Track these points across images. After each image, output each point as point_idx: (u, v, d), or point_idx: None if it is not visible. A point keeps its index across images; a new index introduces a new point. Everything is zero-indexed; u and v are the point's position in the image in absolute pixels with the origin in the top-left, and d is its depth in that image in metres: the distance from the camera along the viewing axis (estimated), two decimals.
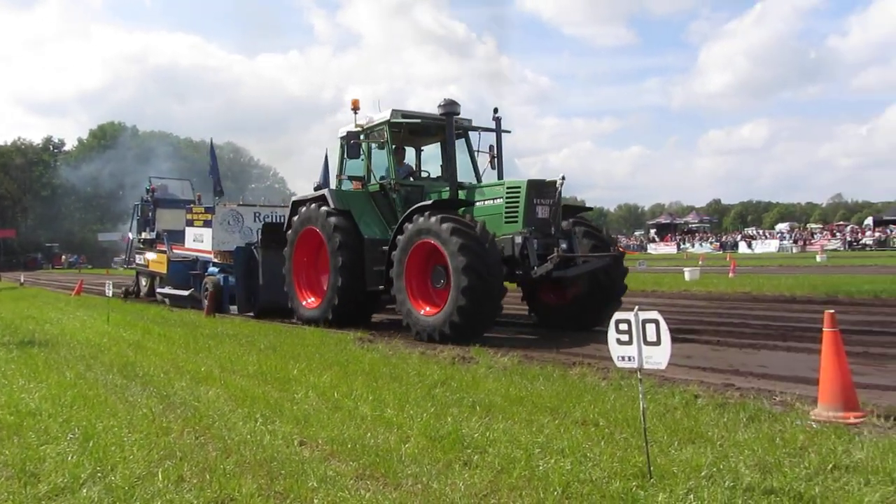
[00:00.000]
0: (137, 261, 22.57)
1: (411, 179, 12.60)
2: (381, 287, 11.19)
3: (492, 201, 10.75)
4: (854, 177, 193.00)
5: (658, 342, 3.75)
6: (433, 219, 9.88)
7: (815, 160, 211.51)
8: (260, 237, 14.75)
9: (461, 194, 11.25)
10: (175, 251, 19.61)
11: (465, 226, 9.72)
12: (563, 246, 10.17)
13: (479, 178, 12.46)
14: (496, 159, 12.20)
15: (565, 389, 6.11)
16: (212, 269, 17.25)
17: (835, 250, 55.49)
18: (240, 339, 10.33)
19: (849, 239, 63.60)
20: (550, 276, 9.92)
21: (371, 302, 12.28)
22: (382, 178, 12.23)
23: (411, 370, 7.29)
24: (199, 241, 18.11)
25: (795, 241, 64.94)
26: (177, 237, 19.97)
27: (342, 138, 12.16)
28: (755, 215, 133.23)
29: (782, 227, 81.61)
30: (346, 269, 11.44)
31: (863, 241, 61.75)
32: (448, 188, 11.39)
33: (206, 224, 17.85)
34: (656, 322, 3.76)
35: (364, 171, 12.40)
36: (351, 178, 12.64)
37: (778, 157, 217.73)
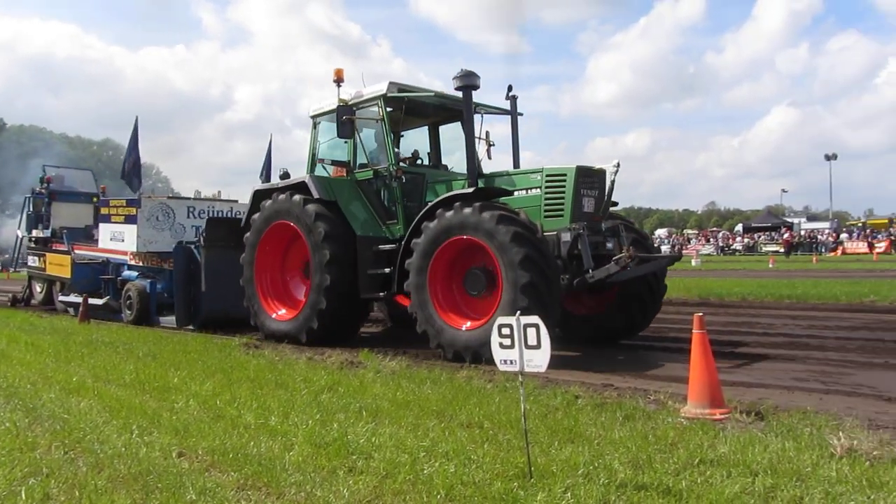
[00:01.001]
0: (30, 263, 19.13)
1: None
2: (382, 294, 9.57)
3: (525, 192, 9.02)
4: (727, 186, 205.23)
5: (538, 346, 3.87)
6: (468, 210, 8.19)
7: (692, 169, 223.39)
8: (203, 235, 12.51)
9: (480, 184, 9.40)
10: (79, 252, 16.74)
11: (511, 212, 8.18)
12: (609, 245, 8.86)
13: (479, 167, 10.72)
14: (514, 147, 10.43)
15: (452, 392, 6.19)
16: (127, 273, 14.93)
17: (708, 255, 58.73)
18: (116, 347, 9.84)
19: (721, 244, 67.54)
20: (604, 282, 8.38)
21: (360, 313, 10.44)
22: (377, 163, 10.28)
23: (298, 376, 7.17)
24: (119, 240, 15.10)
25: (673, 247, 68.35)
26: (78, 235, 17.54)
27: (326, 114, 10.60)
28: (636, 221, 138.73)
29: (661, 232, 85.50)
30: (335, 265, 9.55)
31: (733, 247, 65.71)
32: (458, 177, 10.09)
33: (129, 220, 14.79)
34: (537, 326, 3.87)
35: (349, 154, 10.53)
36: (334, 164, 10.65)
37: (658, 166, 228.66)
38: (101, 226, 15.97)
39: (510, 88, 10.38)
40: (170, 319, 13.23)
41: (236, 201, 15.79)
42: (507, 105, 10.50)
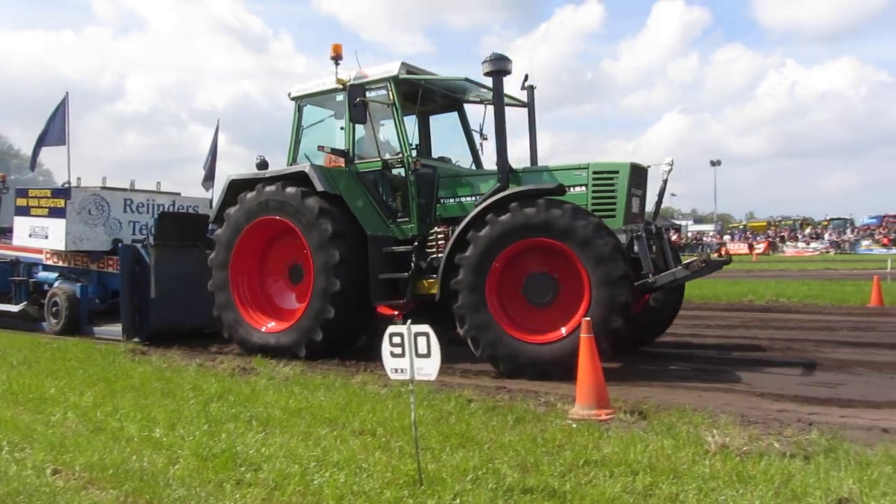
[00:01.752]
0: None
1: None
2: (401, 303, 8.54)
3: (568, 189, 8.10)
4: None
5: (429, 354, 3.90)
6: (556, 210, 7.26)
7: None
8: (153, 232, 10.88)
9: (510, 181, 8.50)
10: None
11: (599, 220, 7.38)
12: (653, 248, 8.25)
13: (478, 162, 10.25)
14: (531, 142, 9.59)
15: (346, 399, 6.15)
16: (44, 274, 12.97)
17: None
18: None
19: None
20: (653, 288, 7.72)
21: (365, 324, 9.20)
22: (391, 154, 9.12)
23: (186, 384, 6.94)
24: (41, 237, 12.76)
25: None
26: None
27: (314, 95, 9.56)
28: None
29: None
30: (345, 268, 8.38)
31: None
32: (477, 172, 9.44)
33: (56, 213, 12.49)
34: (427, 335, 3.90)
35: (347, 142, 9.26)
36: (334, 152, 9.25)
37: None
38: (17, 220, 13.42)
39: (526, 78, 9.50)
40: (109, 330, 11.34)
41: (178, 194, 14.18)
42: (522, 96, 9.73)
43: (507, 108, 8.80)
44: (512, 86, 10.53)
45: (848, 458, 4.22)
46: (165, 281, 10.34)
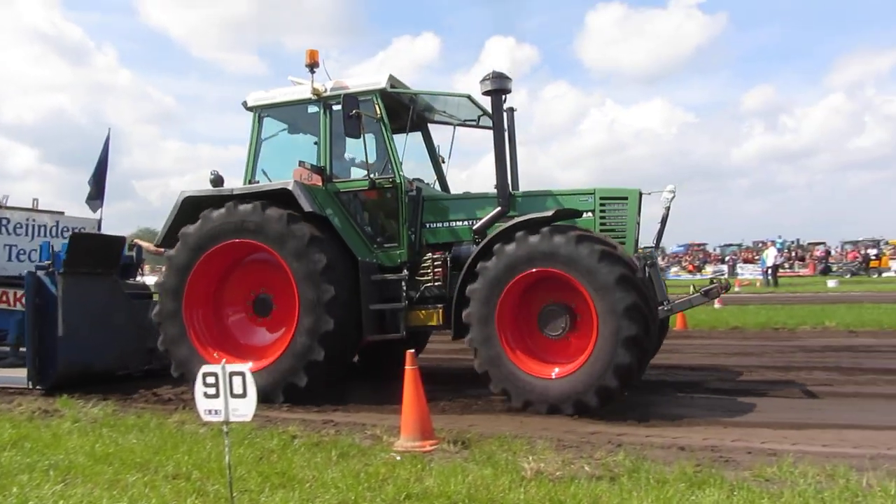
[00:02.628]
0: None
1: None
2: (402, 337, 7.81)
3: None
4: None
5: (244, 394, 3.77)
6: (559, 237, 6.92)
7: None
8: (64, 257, 9.03)
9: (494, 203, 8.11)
10: None
11: (611, 247, 7.01)
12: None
13: (444, 184, 9.62)
14: (512, 165, 8.67)
15: (160, 440, 5.79)
16: None
17: None
18: None
19: None
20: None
21: (351, 360, 8.54)
22: (379, 171, 8.28)
23: None
24: None
25: None
26: None
27: (277, 106, 8.70)
28: None
29: None
30: (337, 303, 7.53)
31: None
32: (467, 196, 8.77)
33: None
34: (243, 375, 3.77)
35: (322, 158, 8.39)
36: (313, 168, 8.35)
37: None
38: None
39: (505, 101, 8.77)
40: (5, 377, 9.28)
41: (62, 213, 12.38)
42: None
43: (470, 130, 9.20)
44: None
45: (648, 478, 4.53)
46: (75, 315, 8.72)
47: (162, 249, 10.53)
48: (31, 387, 8.70)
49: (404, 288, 7.79)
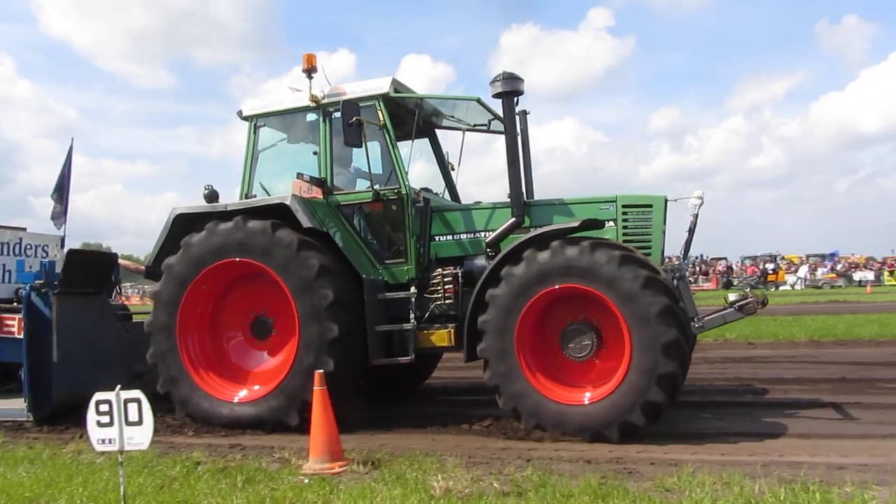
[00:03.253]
0: None
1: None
2: (411, 360, 7.28)
3: None
4: None
5: (140, 422, 3.63)
6: (572, 249, 6.41)
7: None
8: (61, 276, 8.22)
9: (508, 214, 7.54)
10: None
11: (655, 272, 6.42)
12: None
13: (454, 192, 9.04)
14: (526, 172, 8.25)
15: (53, 473, 5.49)
16: None
17: None
18: None
19: None
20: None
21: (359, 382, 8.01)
22: (383, 182, 7.82)
23: None
24: None
25: None
26: None
27: (276, 114, 8.21)
28: None
29: None
30: (340, 309, 7.05)
31: None
32: (476, 206, 8.08)
33: None
34: (139, 401, 3.64)
35: (322, 169, 7.86)
36: (313, 180, 7.80)
37: None
38: None
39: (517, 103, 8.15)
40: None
41: (24, 229, 11.32)
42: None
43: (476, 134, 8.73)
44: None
45: (555, 492, 4.61)
46: (70, 339, 7.95)
47: (142, 267, 9.84)
48: (30, 418, 7.95)
49: (412, 307, 7.28)
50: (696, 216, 7.49)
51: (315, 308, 6.99)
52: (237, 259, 7.29)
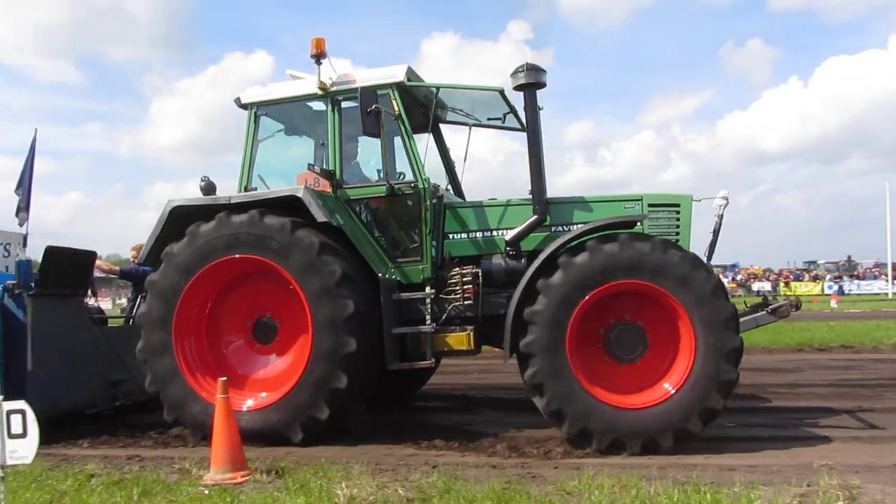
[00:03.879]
0: None
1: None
2: (431, 365, 7.06)
3: None
4: None
5: (24, 434, 3.47)
6: (643, 245, 6.17)
7: None
8: (38, 276, 7.60)
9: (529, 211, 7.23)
10: None
11: (718, 277, 6.32)
12: None
13: (458, 188, 8.58)
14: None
15: None
16: None
17: None
18: None
19: None
20: None
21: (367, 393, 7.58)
22: (392, 176, 7.55)
23: None
24: None
25: None
26: None
27: (279, 102, 7.75)
28: None
29: None
30: (358, 323, 6.63)
31: None
32: (486, 203, 7.66)
33: None
34: (23, 413, 3.47)
35: (332, 161, 7.41)
36: (323, 173, 7.35)
37: None
38: None
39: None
40: None
41: None
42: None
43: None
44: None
45: (459, 497, 4.64)
46: (45, 344, 7.30)
47: (117, 268, 9.43)
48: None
49: (428, 308, 6.90)
50: (722, 217, 7.42)
51: (332, 318, 6.57)
52: (250, 256, 6.77)
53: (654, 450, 6.00)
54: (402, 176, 7.71)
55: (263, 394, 6.87)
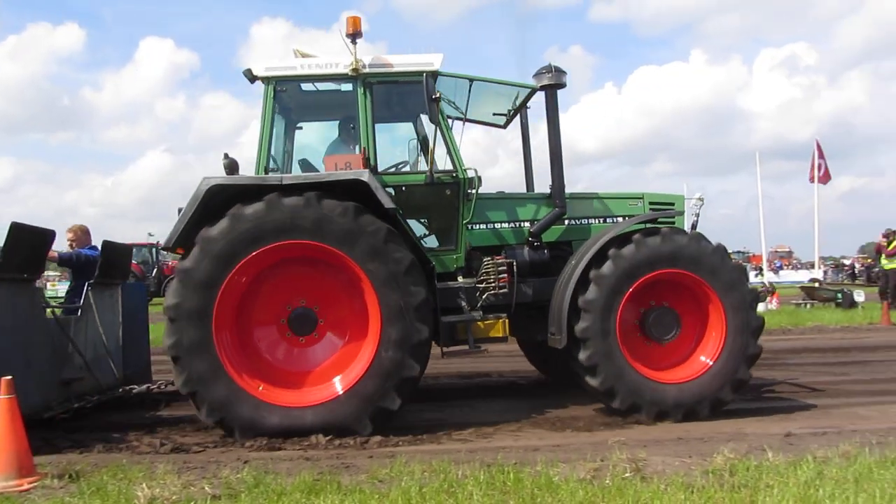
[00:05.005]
0: None
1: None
2: (478, 351, 7.14)
3: (622, 219, 7.83)
4: (100, 225, 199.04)
5: None
6: (682, 238, 6.93)
7: (61, 206, 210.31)
8: (1, 256, 6.36)
9: (544, 206, 7.82)
10: None
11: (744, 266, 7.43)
12: None
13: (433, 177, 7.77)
14: (526, 165, 8.75)
15: None
16: None
17: None
18: None
19: None
20: None
21: None
22: (412, 165, 7.71)
23: None
24: None
25: None
26: None
27: (298, 79, 7.47)
28: None
29: None
30: (424, 309, 6.54)
31: None
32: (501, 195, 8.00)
33: None
34: None
35: (367, 145, 7.13)
36: (364, 159, 7.11)
37: (23, 200, 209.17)
38: None
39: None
40: None
41: None
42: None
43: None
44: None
45: (268, 491, 4.56)
46: (8, 339, 6.28)
47: (55, 254, 7.88)
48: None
49: (464, 296, 7.19)
50: (698, 216, 8.02)
51: (402, 306, 6.45)
52: (306, 241, 6.40)
53: (694, 417, 6.76)
54: (402, 164, 7.79)
55: (320, 387, 6.58)
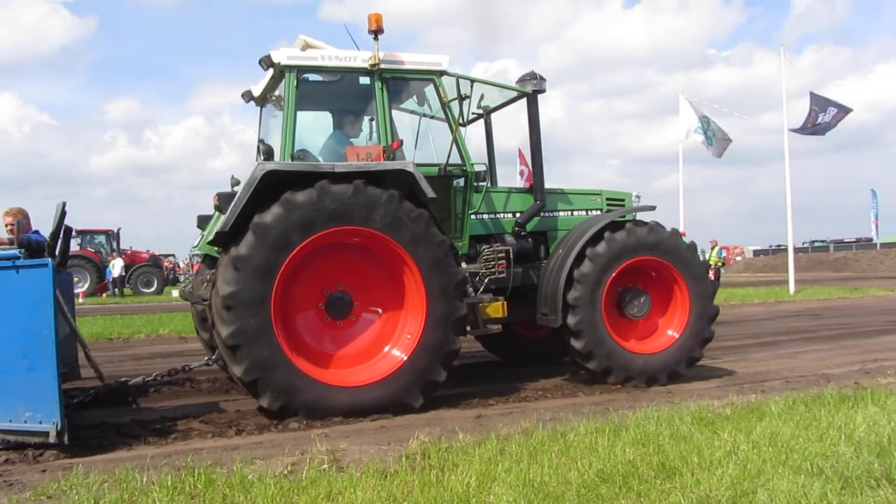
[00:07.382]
0: None
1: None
2: (495, 331, 7.84)
3: (585, 213, 8.98)
4: None
5: None
6: (664, 231, 8.16)
7: None
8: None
9: (528, 198, 8.70)
10: None
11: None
12: None
13: (445, 169, 8.12)
14: (489, 159, 9.50)
15: None
16: None
17: None
18: None
19: None
20: None
21: None
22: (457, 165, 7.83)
23: None
24: None
25: None
26: None
27: (328, 70, 7.73)
28: None
29: None
30: (465, 287, 7.34)
31: None
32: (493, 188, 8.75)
33: None
34: None
35: (385, 138, 7.40)
36: (386, 150, 7.38)
37: None
38: None
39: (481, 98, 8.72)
40: None
41: None
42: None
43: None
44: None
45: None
46: None
47: (5, 239, 7.37)
48: None
49: (472, 281, 7.69)
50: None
51: (445, 286, 6.96)
52: (358, 228, 6.70)
53: (654, 383, 7.93)
54: (391, 156, 7.71)
55: (374, 365, 6.95)
